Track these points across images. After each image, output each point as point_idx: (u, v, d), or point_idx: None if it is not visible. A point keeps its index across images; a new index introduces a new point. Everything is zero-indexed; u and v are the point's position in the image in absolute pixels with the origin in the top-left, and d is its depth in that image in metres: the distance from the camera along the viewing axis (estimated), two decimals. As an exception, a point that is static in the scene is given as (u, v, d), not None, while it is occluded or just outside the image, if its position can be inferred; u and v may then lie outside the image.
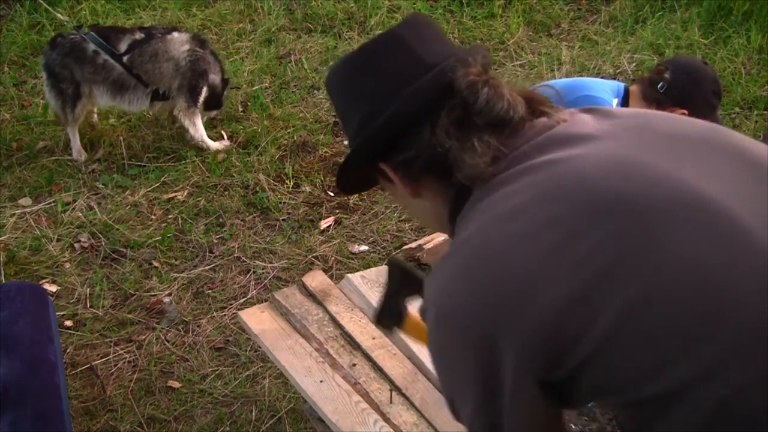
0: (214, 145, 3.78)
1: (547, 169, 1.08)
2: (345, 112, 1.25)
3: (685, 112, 2.52)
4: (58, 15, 4.34)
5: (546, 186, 1.07)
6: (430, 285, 1.12)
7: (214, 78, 3.81)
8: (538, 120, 1.16)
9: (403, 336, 1.84)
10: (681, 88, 2.63)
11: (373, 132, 1.17)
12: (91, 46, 3.63)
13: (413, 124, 1.15)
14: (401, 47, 1.18)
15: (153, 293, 2.99)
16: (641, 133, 1.15)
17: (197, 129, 3.77)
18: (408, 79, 1.16)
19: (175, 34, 3.76)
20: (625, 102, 2.71)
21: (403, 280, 1.63)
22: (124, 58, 3.63)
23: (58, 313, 2.76)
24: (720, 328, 0.96)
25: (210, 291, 3.00)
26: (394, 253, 3.13)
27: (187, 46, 3.72)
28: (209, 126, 3.92)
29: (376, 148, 1.19)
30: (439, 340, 1.11)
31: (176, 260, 3.16)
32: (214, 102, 3.85)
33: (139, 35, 3.70)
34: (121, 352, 2.75)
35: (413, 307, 1.65)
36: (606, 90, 2.70)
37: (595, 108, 1.23)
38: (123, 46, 3.65)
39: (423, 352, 2.04)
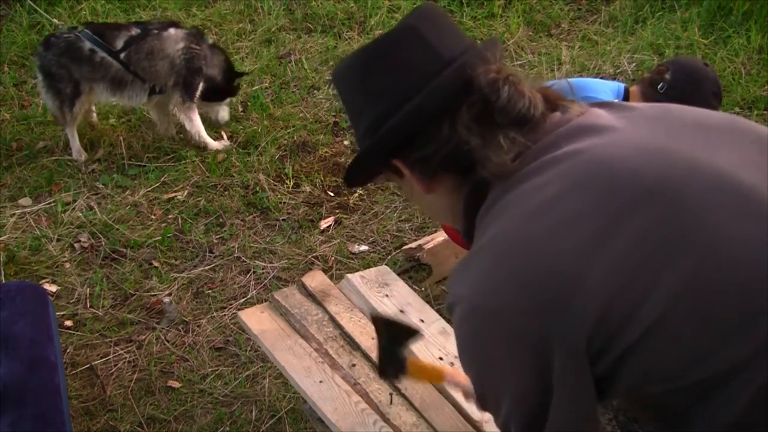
0: (213, 143, 3.78)
1: (574, 159, 1.08)
2: (356, 107, 1.23)
3: None
4: (54, 20, 4.34)
5: (578, 174, 1.06)
6: (460, 281, 1.11)
7: (212, 71, 3.78)
8: (555, 114, 1.16)
9: (410, 381, 1.86)
10: (681, 89, 2.64)
11: (391, 128, 1.16)
12: (87, 44, 3.63)
13: (433, 120, 1.14)
14: (418, 41, 1.16)
15: (153, 293, 2.99)
16: (664, 122, 1.15)
17: (193, 124, 3.76)
18: (427, 75, 1.14)
19: (172, 31, 3.73)
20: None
21: (391, 331, 1.63)
22: (121, 55, 3.63)
23: (58, 313, 2.76)
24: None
25: (210, 291, 3.00)
26: (394, 253, 3.14)
27: (182, 44, 3.70)
28: (210, 126, 3.92)
29: (393, 145, 1.18)
30: (475, 337, 1.09)
31: (176, 260, 3.16)
32: (212, 95, 3.83)
33: (135, 31, 3.69)
34: (121, 352, 2.75)
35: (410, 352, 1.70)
36: (606, 91, 2.71)
37: (608, 102, 1.23)
38: (119, 43, 3.64)
39: (422, 354, 2.05)
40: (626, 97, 2.76)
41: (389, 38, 1.19)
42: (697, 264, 0.98)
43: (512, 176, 1.10)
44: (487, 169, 1.12)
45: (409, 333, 1.62)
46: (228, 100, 3.92)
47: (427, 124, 1.14)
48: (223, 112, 3.91)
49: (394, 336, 1.62)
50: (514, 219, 1.07)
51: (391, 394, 1.94)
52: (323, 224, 3.31)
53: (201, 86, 3.76)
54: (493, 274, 1.06)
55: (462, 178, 1.17)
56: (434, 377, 1.75)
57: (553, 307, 1.01)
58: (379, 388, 1.97)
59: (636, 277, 0.99)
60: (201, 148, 3.78)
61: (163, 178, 3.59)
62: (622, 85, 2.83)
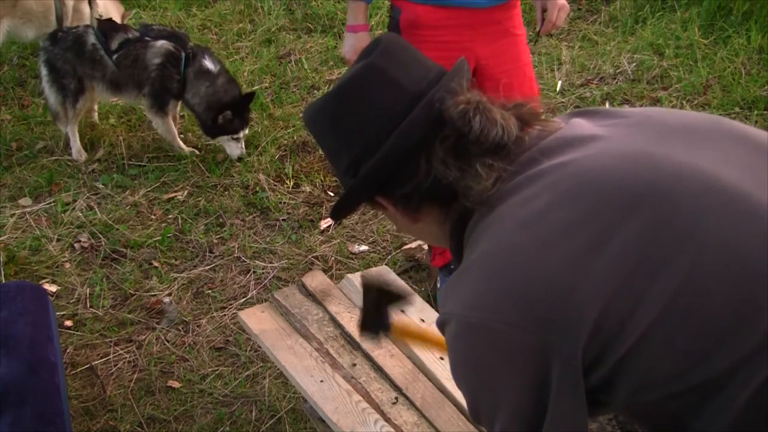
0: (179, 148, 3.75)
1: (560, 171, 1.08)
2: (333, 152, 1.25)
3: None
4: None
5: (566, 185, 1.06)
6: (451, 297, 1.10)
7: (193, 100, 3.65)
8: (533, 130, 1.16)
9: (394, 341, 1.84)
10: None
11: (370, 170, 1.17)
12: (91, 40, 3.64)
13: (408, 159, 1.15)
14: (383, 80, 1.17)
15: (153, 293, 2.98)
16: (646, 128, 1.15)
17: (160, 127, 3.73)
18: (396, 114, 1.15)
19: (158, 43, 3.65)
20: None
21: (381, 296, 1.61)
22: (114, 57, 3.64)
23: (58, 313, 2.76)
24: (763, 304, 0.97)
25: (210, 291, 3.00)
26: (394, 253, 3.14)
27: (158, 60, 3.64)
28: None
29: (374, 185, 1.19)
30: (472, 354, 1.08)
31: (176, 260, 3.15)
32: (202, 127, 3.72)
33: (132, 34, 3.70)
34: (121, 352, 2.75)
35: (397, 314, 1.67)
36: None
37: (589, 110, 1.23)
38: (115, 44, 3.65)
39: (423, 352, 2.04)
40: None
41: (355, 80, 1.19)
42: (692, 264, 0.98)
43: (495, 194, 1.11)
44: (469, 199, 1.12)
45: (399, 297, 1.62)
46: (226, 137, 3.65)
47: (404, 163, 1.15)
48: (229, 149, 3.68)
49: (383, 300, 1.61)
50: (503, 233, 1.07)
51: (396, 398, 1.94)
52: (323, 224, 3.31)
53: (171, 104, 3.70)
54: (485, 289, 1.05)
55: (447, 208, 1.18)
56: (420, 338, 1.73)
57: (551, 320, 1.00)
58: (380, 388, 1.97)
59: (630, 282, 0.99)
60: (199, 148, 3.78)
61: (163, 178, 3.59)
62: None
